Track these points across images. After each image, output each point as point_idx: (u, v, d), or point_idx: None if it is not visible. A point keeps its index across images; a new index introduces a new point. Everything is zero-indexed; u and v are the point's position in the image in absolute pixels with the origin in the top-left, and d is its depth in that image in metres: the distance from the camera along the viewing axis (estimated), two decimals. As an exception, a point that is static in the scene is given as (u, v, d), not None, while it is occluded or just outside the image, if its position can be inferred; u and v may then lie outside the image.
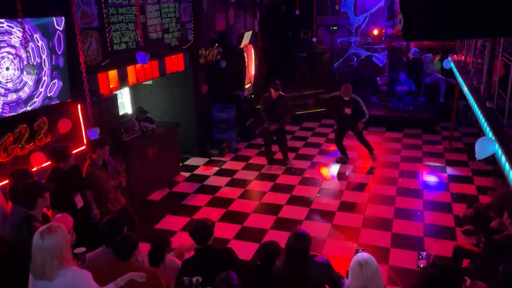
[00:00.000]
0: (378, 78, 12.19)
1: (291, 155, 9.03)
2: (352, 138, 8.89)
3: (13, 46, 4.84)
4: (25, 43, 4.62)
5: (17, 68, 4.91)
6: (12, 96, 4.92)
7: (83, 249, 3.48)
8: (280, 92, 8.05)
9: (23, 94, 5.06)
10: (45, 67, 5.31)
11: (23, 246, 2.93)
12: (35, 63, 5.18)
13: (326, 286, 3.57)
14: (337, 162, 8.78)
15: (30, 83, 5.18)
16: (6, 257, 3.81)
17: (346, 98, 8.29)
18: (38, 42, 5.16)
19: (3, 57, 4.74)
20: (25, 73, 4.92)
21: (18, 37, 4.89)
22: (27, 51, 4.68)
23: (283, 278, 3.42)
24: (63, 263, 2.85)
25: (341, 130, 8.73)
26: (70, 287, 2.86)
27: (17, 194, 3.85)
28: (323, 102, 8.41)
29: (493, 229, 4.76)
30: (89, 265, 3.36)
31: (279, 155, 8.92)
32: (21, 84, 5.01)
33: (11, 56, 4.84)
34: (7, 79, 4.82)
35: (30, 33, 5.06)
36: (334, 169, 8.49)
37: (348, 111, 8.32)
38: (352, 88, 8.36)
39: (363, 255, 3.11)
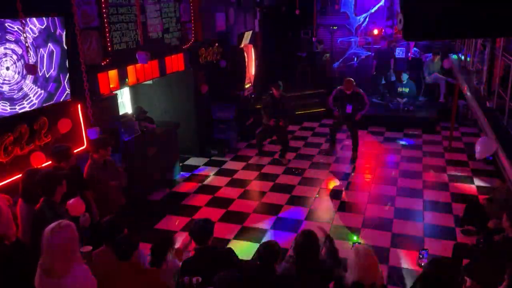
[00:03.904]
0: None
1: (290, 155, 9.07)
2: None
3: (19, 44, 4.65)
4: (25, 43, 4.54)
5: (18, 72, 4.71)
6: (5, 107, 4.56)
7: (89, 247, 3.50)
8: (282, 92, 8.41)
9: (21, 110, 4.73)
10: (65, 87, 5.05)
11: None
12: (47, 75, 4.95)
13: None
14: (324, 153, 9.21)
15: (34, 100, 4.81)
16: (6, 257, 3.81)
17: (348, 92, 8.37)
18: (62, 44, 4.93)
19: (6, 54, 4.50)
20: (27, 81, 4.70)
21: (29, 33, 4.60)
22: (27, 50, 4.58)
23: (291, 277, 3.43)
24: (72, 261, 2.86)
25: (335, 129, 9.07)
26: (78, 284, 2.86)
27: (36, 185, 3.93)
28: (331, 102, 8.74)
29: (493, 229, 4.76)
30: (89, 266, 3.36)
31: (278, 155, 8.96)
32: (20, 93, 4.73)
33: (15, 56, 4.63)
34: (4, 79, 4.53)
35: (52, 30, 4.84)
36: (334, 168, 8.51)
37: (348, 109, 8.52)
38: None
39: (360, 247, 3.16)
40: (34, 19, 4.69)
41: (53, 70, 5.16)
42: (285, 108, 8.52)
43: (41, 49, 5.04)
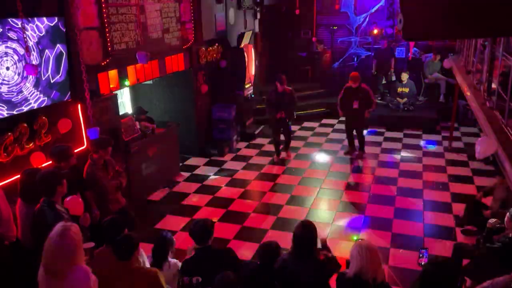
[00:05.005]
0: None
1: (291, 154, 9.10)
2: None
3: (20, 42, 4.52)
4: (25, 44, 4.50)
5: (19, 73, 4.59)
6: (2, 111, 4.36)
7: (91, 244, 3.51)
8: (285, 86, 8.41)
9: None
10: None
11: (44, 232, 2.97)
12: (52, 80, 4.75)
13: None
14: (344, 154, 9.18)
15: (34, 104, 4.63)
16: (6, 257, 3.82)
17: (355, 86, 8.42)
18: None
19: (7, 54, 4.36)
20: (28, 84, 4.54)
21: (34, 31, 4.43)
22: (27, 49, 4.47)
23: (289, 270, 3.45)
24: (75, 263, 2.87)
25: (349, 129, 9.03)
26: (79, 285, 2.87)
27: (36, 185, 3.92)
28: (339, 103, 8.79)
29: (492, 229, 4.76)
30: (89, 265, 3.37)
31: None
32: (19, 97, 4.57)
33: (16, 57, 4.50)
34: (3, 79, 4.37)
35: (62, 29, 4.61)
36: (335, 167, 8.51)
37: (355, 104, 8.54)
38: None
39: (361, 241, 3.23)
40: (44, 18, 4.60)
41: (60, 76, 4.99)
42: (288, 102, 8.49)
43: (46, 51, 4.90)
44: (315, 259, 3.50)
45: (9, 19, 4.47)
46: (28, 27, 4.57)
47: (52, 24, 4.83)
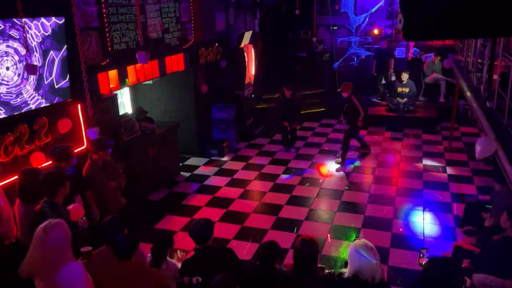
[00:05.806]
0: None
1: (291, 155, 9.15)
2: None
3: (22, 42, 4.39)
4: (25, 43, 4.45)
5: (19, 74, 4.51)
6: (0, 114, 4.25)
7: (89, 248, 3.50)
8: (292, 92, 8.91)
9: None
10: None
11: None
12: (56, 86, 4.57)
13: None
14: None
15: (32, 105, 4.53)
16: (6, 257, 3.81)
17: (345, 95, 8.44)
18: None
19: (7, 53, 4.25)
20: (28, 87, 4.40)
21: (38, 30, 4.31)
22: (26, 48, 4.36)
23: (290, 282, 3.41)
24: (64, 259, 2.86)
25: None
26: (68, 284, 2.86)
27: (39, 185, 3.90)
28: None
29: (492, 229, 4.76)
30: (89, 265, 3.36)
31: (278, 155, 8.95)
32: (18, 99, 4.45)
33: (16, 57, 4.40)
34: (2, 79, 4.24)
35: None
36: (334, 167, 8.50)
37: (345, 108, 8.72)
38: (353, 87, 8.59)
39: (359, 241, 3.21)
40: (53, 17, 4.50)
41: (66, 81, 4.88)
42: (296, 107, 9.11)
43: (51, 52, 4.77)
44: (316, 274, 3.46)
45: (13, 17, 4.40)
46: (32, 25, 4.47)
47: (60, 22, 4.69)
